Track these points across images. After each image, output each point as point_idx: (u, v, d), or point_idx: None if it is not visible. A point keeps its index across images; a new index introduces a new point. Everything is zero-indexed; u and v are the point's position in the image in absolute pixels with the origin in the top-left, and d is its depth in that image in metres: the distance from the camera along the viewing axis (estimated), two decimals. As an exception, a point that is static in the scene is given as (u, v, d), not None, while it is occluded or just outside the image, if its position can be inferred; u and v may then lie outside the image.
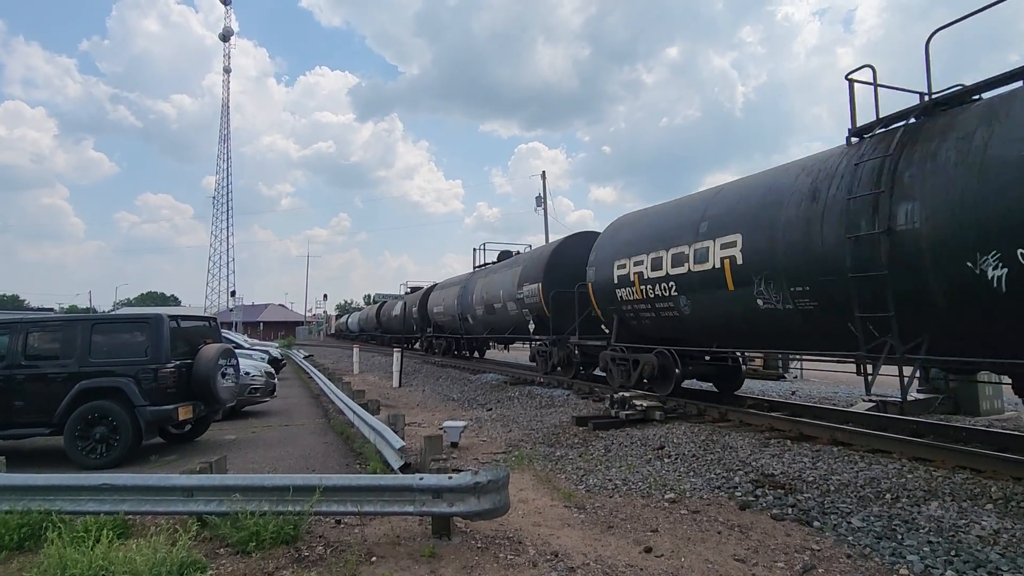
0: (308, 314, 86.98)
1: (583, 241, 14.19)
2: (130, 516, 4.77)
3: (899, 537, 4.37)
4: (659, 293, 9.94)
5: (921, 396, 9.88)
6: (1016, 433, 6.88)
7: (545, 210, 33.13)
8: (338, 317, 68.74)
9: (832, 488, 5.54)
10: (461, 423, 8.79)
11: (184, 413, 8.11)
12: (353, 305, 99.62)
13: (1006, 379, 6.97)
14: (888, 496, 5.22)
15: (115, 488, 4.68)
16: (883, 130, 6.89)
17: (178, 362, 8.16)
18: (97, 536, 4.09)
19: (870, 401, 8.30)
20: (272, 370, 14.19)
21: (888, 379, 6.94)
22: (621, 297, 11.02)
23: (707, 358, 10.54)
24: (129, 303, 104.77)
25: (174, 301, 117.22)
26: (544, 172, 33.88)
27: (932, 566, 3.91)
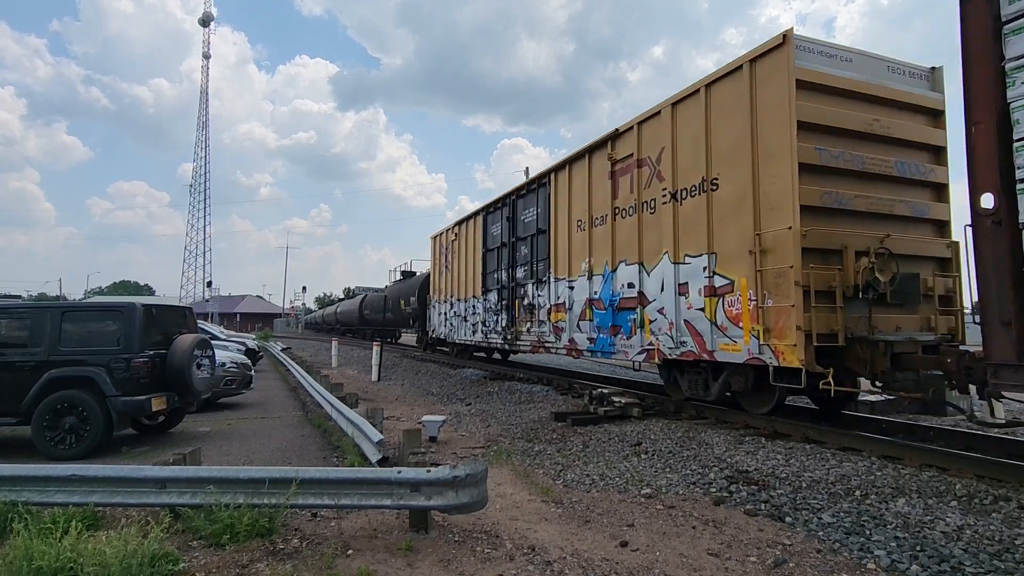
0: (287, 306, 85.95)
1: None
2: (100, 508, 4.66)
3: (867, 532, 4.47)
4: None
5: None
6: (980, 433, 7.08)
7: (528, 206, 33.14)
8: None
9: (804, 485, 5.65)
10: (440, 417, 8.78)
11: (157, 404, 7.96)
12: (332, 298, 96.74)
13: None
14: (857, 493, 5.34)
15: (85, 479, 4.58)
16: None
17: (152, 352, 8.00)
18: (65, 528, 3.98)
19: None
20: (248, 362, 13.98)
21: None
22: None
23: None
24: (101, 292, 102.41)
25: (148, 291, 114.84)
26: (528, 168, 33.94)
27: (898, 561, 4.02)
